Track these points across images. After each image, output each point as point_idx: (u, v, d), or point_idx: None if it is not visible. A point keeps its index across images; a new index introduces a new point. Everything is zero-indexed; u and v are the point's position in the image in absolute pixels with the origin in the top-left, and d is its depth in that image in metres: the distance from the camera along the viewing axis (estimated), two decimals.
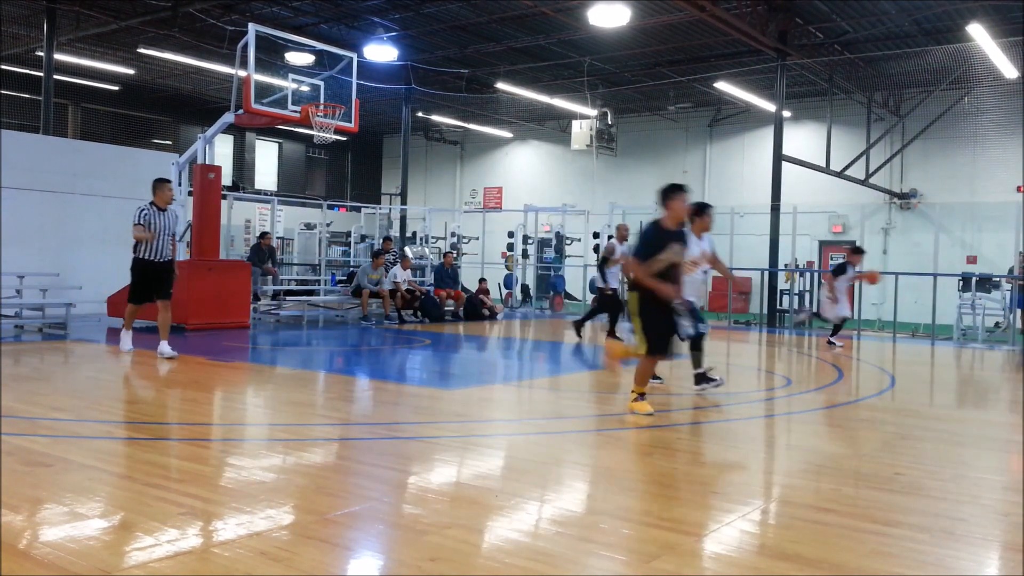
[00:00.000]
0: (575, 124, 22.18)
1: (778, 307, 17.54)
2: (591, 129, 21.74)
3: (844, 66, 18.15)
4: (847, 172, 18.88)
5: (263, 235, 15.09)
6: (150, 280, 8.74)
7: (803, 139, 20.95)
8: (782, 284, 17.95)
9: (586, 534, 3.45)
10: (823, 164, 18.53)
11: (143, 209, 8.73)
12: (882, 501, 4.08)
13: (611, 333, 10.65)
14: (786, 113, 18.66)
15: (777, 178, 17.02)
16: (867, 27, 16.22)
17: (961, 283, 15.66)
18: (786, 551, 3.29)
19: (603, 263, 11.38)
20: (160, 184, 8.91)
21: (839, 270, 12.21)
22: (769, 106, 18.96)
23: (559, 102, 21.57)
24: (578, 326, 12.03)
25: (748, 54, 17.37)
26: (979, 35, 13.86)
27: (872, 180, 19.46)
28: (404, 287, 14.77)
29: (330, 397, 7.21)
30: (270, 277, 14.64)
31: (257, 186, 27.08)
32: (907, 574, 3.09)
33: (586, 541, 3.34)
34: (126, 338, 9.06)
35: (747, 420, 6.43)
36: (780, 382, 8.93)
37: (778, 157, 16.97)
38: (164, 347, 8.61)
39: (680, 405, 6.84)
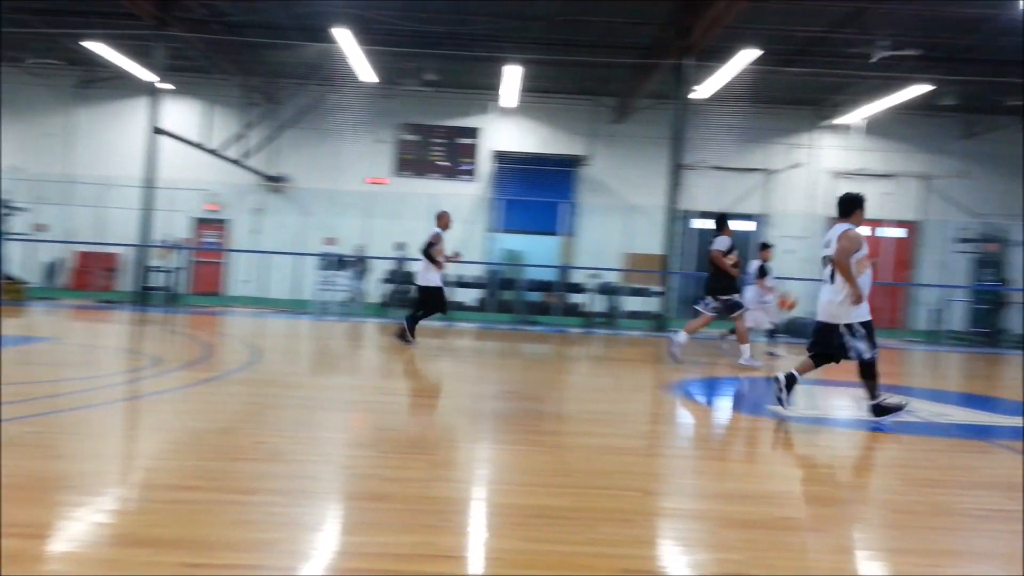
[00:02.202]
0: None
1: (148, 285, 16.92)
2: None
3: (225, 47, 18.28)
4: (225, 152, 19.12)
5: None
6: None
7: (183, 114, 20.51)
8: (155, 261, 17.38)
9: None
10: (202, 141, 18.43)
11: None
12: (244, 471, 4.23)
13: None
14: (167, 86, 18.05)
15: (152, 151, 16.40)
16: (249, 12, 16.61)
17: (325, 262, 17.23)
18: (144, 536, 3.16)
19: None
20: None
21: (763, 272, 11.83)
22: (147, 76, 18.09)
23: None
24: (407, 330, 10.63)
25: (123, 16, 16.27)
26: (344, 39, 15.29)
27: (249, 162, 20.07)
28: None
29: None
30: None
31: None
32: (264, 536, 3.24)
33: None
34: None
35: (109, 405, 6.04)
36: (147, 362, 8.62)
37: (154, 130, 16.35)
38: None
39: (33, 394, 6.09)
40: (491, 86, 18.60)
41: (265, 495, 3.82)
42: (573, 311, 17.26)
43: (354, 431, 5.69)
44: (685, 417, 7.23)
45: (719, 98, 17.11)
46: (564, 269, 19.02)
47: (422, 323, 10.93)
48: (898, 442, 6.15)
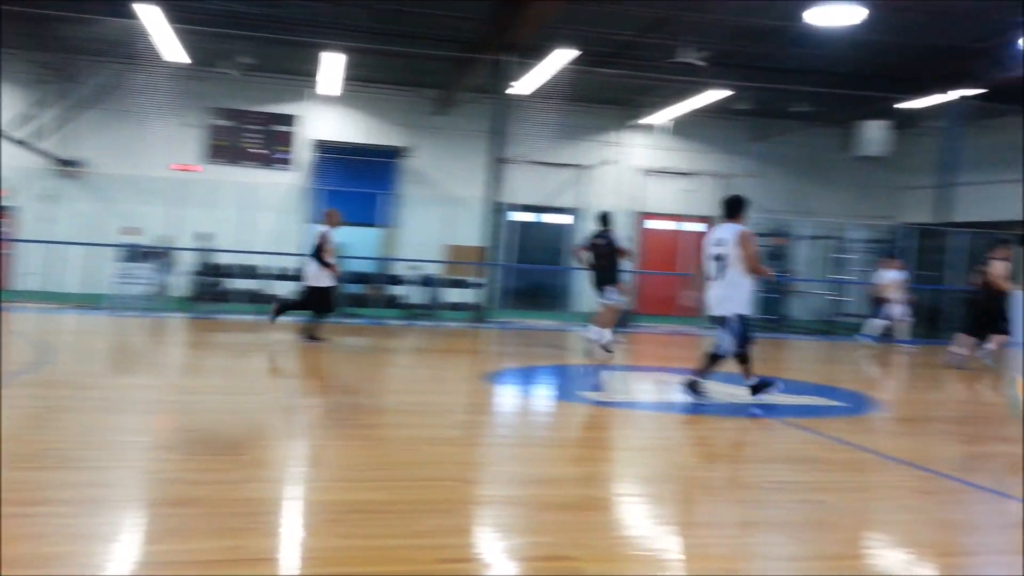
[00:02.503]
0: None
1: None
2: None
3: (13, 18, 16.60)
4: (12, 134, 17.41)
5: None
6: None
7: None
8: None
9: None
10: None
11: None
12: (30, 480, 3.88)
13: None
14: None
15: None
16: None
17: (124, 253, 16.08)
18: None
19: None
20: None
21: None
22: None
23: None
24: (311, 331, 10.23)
25: None
26: (149, 15, 14.20)
27: (40, 145, 18.38)
28: None
29: None
30: None
31: None
32: (54, 550, 2.99)
33: None
34: None
35: None
36: None
37: None
38: None
39: None
40: (310, 72, 18.07)
41: (55, 506, 3.52)
42: (393, 303, 17.16)
43: (156, 433, 5.36)
44: (503, 406, 7.37)
45: (537, 95, 17.52)
46: (385, 261, 18.83)
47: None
48: (698, 423, 6.58)
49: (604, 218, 10.90)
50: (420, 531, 3.39)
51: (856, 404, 7.78)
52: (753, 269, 6.87)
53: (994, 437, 6.68)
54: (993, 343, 11.08)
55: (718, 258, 6.93)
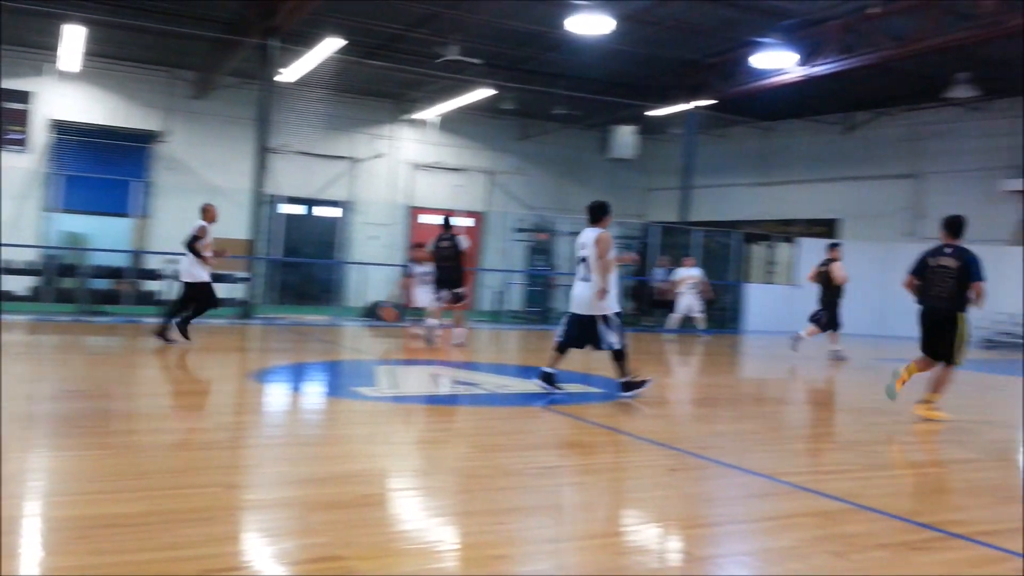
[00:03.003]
0: None
1: None
2: None
3: None
4: None
5: None
6: None
7: None
8: None
9: None
10: None
11: None
12: None
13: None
14: None
15: None
16: None
17: None
18: None
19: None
20: None
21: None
22: None
23: None
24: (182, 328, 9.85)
25: None
26: None
27: None
28: None
29: None
30: None
31: None
32: None
33: None
34: None
35: None
36: None
37: None
38: None
39: None
40: (48, 46, 16.34)
41: None
42: (148, 299, 15.96)
43: None
44: (271, 405, 7.11)
45: (305, 83, 17.02)
46: (137, 254, 17.46)
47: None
48: (469, 414, 6.73)
49: (447, 222, 11.58)
50: (179, 542, 3.19)
51: (614, 390, 8.32)
52: (603, 268, 7.09)
53: (739, 417, 7.42)
54: (806, 332, 12.64)
55: (583, 260, 7.23)
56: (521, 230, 20.60)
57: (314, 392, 8.12)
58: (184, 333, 10.05)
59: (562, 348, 7.43)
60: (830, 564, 3.35)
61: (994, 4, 12.61)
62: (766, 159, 23.29)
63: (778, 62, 15.83)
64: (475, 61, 16.61)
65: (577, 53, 16.72)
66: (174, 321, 10.12)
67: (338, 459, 4.97)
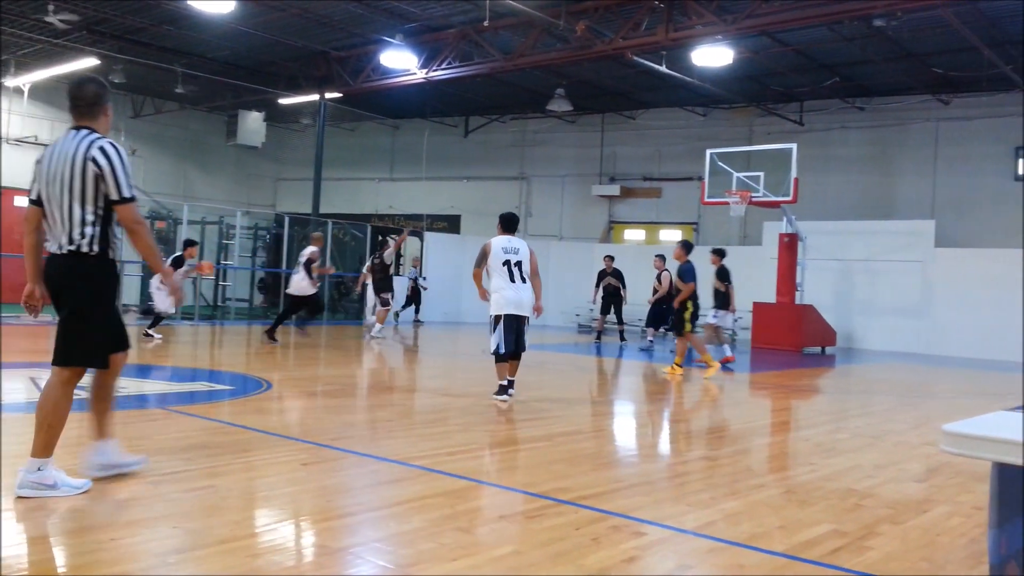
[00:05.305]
0: None
1: None
2: None
3: None
4: None
5: None
6: None
7: None
8: None
9: None
10: None
11: None
12: None
13: None
14: None
15: None
16: None
17: None
18: None
19: None
20: None
21: (177, 262, 12.62)
22: None
23: None
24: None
25: None
26: None
27: None
28: None
29: None
30: None
31: None
32: None
33: None
34: None
35: None
36: None
37: None
38: None
39: None
40: None
41: None
42: None
43: None
44: None
45: None
46: None
47: None
48: (79, 420, 6.01)
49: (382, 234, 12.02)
50: None
51: (244, 386, 8.02)
52: (535, 274, 7.73)
53: (370, 407, 7.55)
54: (377, 316, 14.28)
55: (518, 264, 7.58)
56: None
57: None
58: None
59: (518, 355, 7.64)
60: (458, 539, 3.57)
61: (584, 29, 14.34)
62: (394, 155, 24.05)
63: (402, 63, 16.42)
64: (67, 20, 14.60)
65: (197, 29, 15.77)
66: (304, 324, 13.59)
67: None
